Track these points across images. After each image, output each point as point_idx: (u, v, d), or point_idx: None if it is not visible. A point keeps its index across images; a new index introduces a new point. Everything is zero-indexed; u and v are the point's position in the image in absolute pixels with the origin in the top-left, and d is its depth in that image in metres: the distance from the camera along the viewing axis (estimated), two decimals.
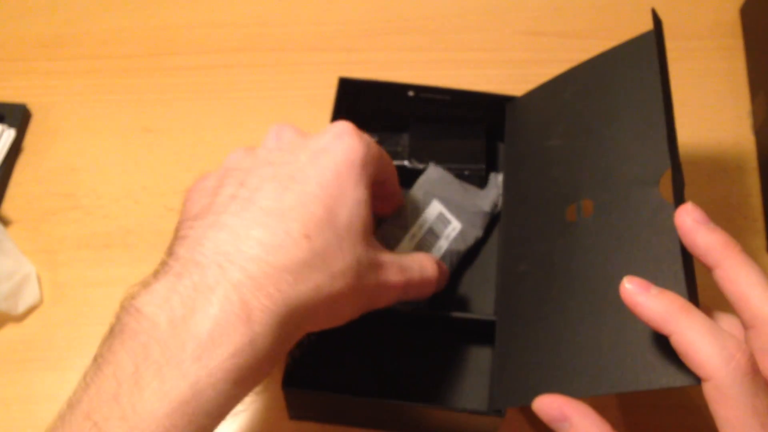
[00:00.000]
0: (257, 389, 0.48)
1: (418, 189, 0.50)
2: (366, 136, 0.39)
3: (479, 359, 0.48)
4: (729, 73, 0.62)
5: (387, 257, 0.39)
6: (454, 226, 0.49)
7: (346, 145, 0.37)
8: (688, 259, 0.35)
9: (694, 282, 0.34)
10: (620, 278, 0.33)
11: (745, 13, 0.64)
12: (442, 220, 0.49)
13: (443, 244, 0.49)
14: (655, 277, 0.34)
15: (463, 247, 0.49)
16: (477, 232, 0.50)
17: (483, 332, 0.47)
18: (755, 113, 0.59)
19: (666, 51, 0.42)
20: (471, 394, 0.47)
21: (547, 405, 0.35)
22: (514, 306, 0.44)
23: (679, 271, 0.34)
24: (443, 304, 0.49)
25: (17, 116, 0.58)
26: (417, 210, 0.49)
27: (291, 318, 0.33)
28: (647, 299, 0.32)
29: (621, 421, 0.48)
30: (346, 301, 0.36)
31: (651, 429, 0.48)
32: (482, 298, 0.50)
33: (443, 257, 0.49)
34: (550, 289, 0.41)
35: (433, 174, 0.51)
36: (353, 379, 0.48)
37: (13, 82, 0.61)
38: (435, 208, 0.49)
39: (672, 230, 0.35)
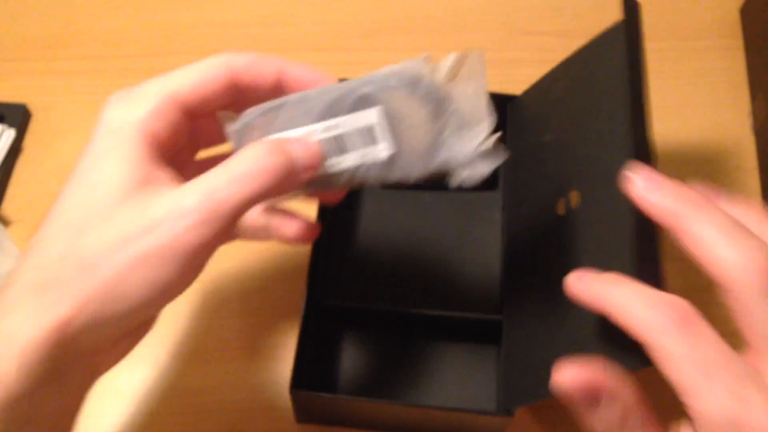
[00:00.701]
0: (261, 392, 0.48)
1: (363, 83, 0.35)
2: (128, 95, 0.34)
3: (484, 359, 0.49)
4: (729, 73, 0.62)
5: (173, 195, 0.31)
6: (381, 149, 0.35)
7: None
8: (646, 238, 0.33)
9: (656, 264, 0.33)
10: (608, 268, 0.32)
11: (745, 13, 0.64)
12: (366, 135, 0.35)
13: (347, 162, 0.35)
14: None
15: (378, 175, 0.36)
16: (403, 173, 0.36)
17: (487, 332, 0.47)
18: (755, 113, 0.59)
19: (642, 35, 0.41)
20: (478, 394, 0.48)
21: (571, 380, 0.29)
22: (519, 304, 0.44)
23: (626, 256, 0.34)
24: (446, 304, 0.49)
25: (17, 116, 0.58)
26: (337, 106, 0.34)
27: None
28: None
29: None
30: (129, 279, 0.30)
31: None
32: (485, 298, 0.50)
33: (340, 174, 0.36)
34: (551, 284, 0.41)
35: (402, 78, 0.36)
36: (359, 381, 0.48)
37: (13, 82, 0.61)
38: (366, 118, 0.34)
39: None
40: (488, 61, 0.64)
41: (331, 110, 0.34)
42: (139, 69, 0.62)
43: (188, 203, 0.30)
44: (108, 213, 0.30)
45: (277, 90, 0.36)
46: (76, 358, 0.30)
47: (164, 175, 0.32)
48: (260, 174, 0.31)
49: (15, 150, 0.58)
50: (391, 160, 0.35)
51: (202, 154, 0.39)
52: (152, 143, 0.32)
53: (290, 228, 0.40)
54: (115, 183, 0.31)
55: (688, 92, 0.61)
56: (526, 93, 0.51)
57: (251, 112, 0.35)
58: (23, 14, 0.65)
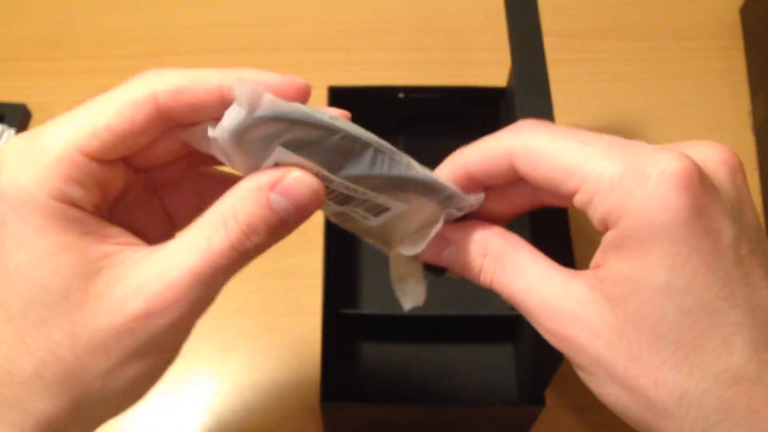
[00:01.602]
0: (289, 408, 0.48)
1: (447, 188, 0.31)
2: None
3: (502, 357, 0.49)
4: (729, 73, 0.62)
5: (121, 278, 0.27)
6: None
7: None
8: None
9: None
10: None
11: (745, 13, 0.64)
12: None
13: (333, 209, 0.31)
14: None
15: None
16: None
17: (503, 329, 0.47)
18: (755, 113, 0.59)
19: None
20: (499, 390, 0.48)
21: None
22: None
23: None
24: (460, 305, 0.49)
25: (17, 116, 0.58)
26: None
27: None
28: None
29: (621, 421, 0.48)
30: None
31: None
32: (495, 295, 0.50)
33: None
34: None
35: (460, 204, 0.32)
36: (382, 388, 0.48)
37: (13, 82, 0.61)
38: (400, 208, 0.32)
39: None
40: (488, 61, 0.65)
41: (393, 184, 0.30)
42: (138, 69, 0.62)
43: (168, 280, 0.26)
44: (70, 316, 0.26)
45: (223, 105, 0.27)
46: None
47: (108, 231, 0.27)
48: (269, 223, 0.27)
49: None
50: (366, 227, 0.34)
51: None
52: (80, 212, 0.27)
53: None
54: (65, 277, 0.26)
55: (688, 92, 0.61)
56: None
57: (244, 115, 0.26)
58: (23, 14, 0.65)
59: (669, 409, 0.25)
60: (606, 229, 0.27)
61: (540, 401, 0.42)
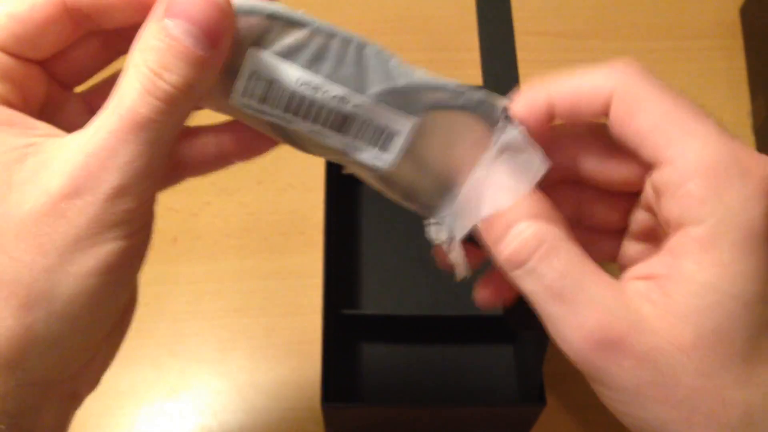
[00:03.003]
0: (289, 408, 0.48)
1: (436, 86, 0.27)
2: None
3: (502, 357, 0.49)
4: (729, 73, 0.62)
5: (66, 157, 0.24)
6: (382, 159, 0.27)
7: None
8: None
9: None
10: None
11: (745, 13, 0.64)
12: (379, 136, 0.27)
13: (331, 141, 0.27)
14: None
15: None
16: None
17: (503, 330, 0.47)
18: (755, 113, 0.59)
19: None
20: (498, 391, 0.48)
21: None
22: None
23: None
24: (459, 306, 0.49)
25: None
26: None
27: None
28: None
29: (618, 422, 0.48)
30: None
31: None
32: None
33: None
34: None
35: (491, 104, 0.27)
36: (382, 389, 0.48)
37: None
38: (398, 123, 0.26)
39: None
40: (469, 60, 0.64)
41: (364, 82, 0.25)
42: None
43: (92, 165, 0.23)
44: None
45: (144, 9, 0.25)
46: (41, 396, 0.26)
47: (34, 123, 0.25)
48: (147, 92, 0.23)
49: None
50: (384, 174, 0.28)
51: None
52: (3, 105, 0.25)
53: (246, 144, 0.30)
54: None
55: (688, 92, 0.60)
56: None
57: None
58: None
59: (732, 426, 0.24)
60: (680, 225, 0.24)
61: (540, 401, 0.42)
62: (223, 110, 0.27)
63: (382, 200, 0.54)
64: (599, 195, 0.28)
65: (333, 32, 0.25)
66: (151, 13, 0.23)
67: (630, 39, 0.64)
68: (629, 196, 0.28)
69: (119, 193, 0.23)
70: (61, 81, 0.27)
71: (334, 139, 0.26)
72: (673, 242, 0.24)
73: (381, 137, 0.26)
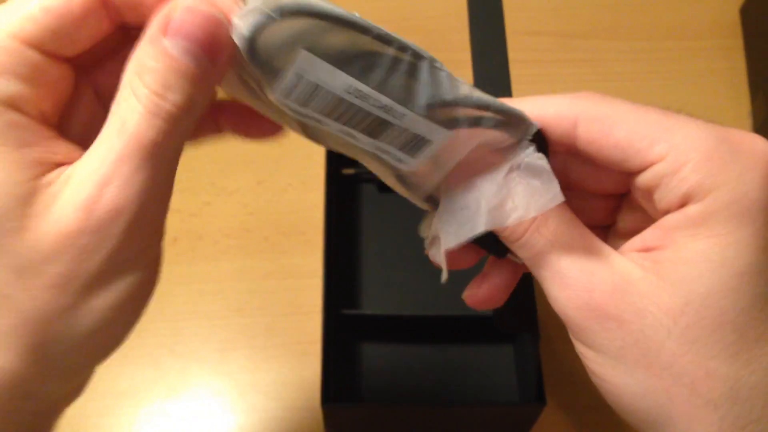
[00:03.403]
0: (289, 408, 0.48)
1: (484, 103, 0.26)
2: None
3: (502, 357, 0.49)
4: (729, 73, 0.62)
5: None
6: (408, 163, 0.27)
7: None
8: None
9: None
10: None
11: (745, 13, 0.64)
12: (412, 143, 0.26)
13: (359, 142, 0.26)
14: None
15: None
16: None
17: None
18: (755, 113, 0.59)
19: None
20: (499, 391, 0.48)
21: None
22: None
23: None
24: (460, 305, 0.49)
25: None
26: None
27: None
28: None
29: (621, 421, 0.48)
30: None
31: None
32: None
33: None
34: None
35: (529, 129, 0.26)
36: (382, 388, 0.48)
37: None
38: (436, 133, 0.25)
39: None
40: (468, 61, 0.64)
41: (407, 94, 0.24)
42: None
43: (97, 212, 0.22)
44: (10, 245, 0.22)
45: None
46: (46, 418, 0.26)
47: (54, 142, 0.24)
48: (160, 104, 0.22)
49: None
50: (405, 176, 0.27)
51: None
52: (19, 114, 0.23)
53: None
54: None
55: (688, 92, 0.61)
56: None
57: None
58: None
59: (715, 401, 0.23)
60: (681, 206, 0.24)
61: (540, 401, 0.42)
62: (242, 98, 0.26)
63: (382, 200, 0.55)
64: (583, 195, 0.29)
65: (390, 39, 0.24)
66: (145, 32, 0.23)
67: (629, 39, 0.64)
68: (615, 195, 0.28)
69: (137, 223, 0.23)
70: (81, 74, 0.26)
71: (364, 142, 0.25)
72: (669, 219, 0.25)
73: (413, 144, 0.26)
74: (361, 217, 0.54)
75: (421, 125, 0.25)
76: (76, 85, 0.26)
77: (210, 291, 0.52)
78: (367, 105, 0.24)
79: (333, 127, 0.25)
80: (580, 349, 0.26)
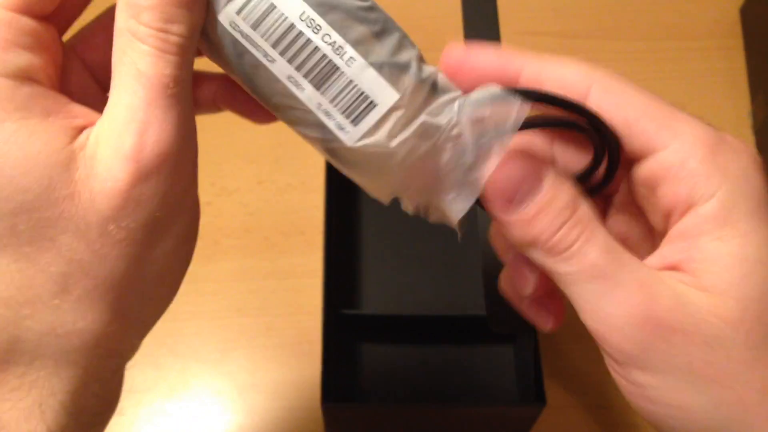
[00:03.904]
0: (289, 408, 0.48)
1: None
2: None
3: (502, 357, 0.49)
4: (729, 73, 0.62)
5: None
6: (351, 131, 0.25)
7: None
8: None
9: None
10: None
11: (745, 13, 0.64)
12: (357, 102, 0.25)
13: (301, 95, 0.25)
14: None
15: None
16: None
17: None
18: (755, 113, 0.59)
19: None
20: (498, 391, 0.48)
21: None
22: None
23: None
24: (459, 305, 0.49)
25: None
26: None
27: None
28: None
29: (621, 421, 0.48)
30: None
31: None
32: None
33: None
34: None
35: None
36: (382, 388, 0.48)
37: None
38: (384, 94, 0.24)
39: None
40: None
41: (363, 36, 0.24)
42: None
43: (127, 143, 0.22)
44: (61, 205, 0.22)
45: None
46: (120, 371, 0.27)
47: (71, 105, 0.24)
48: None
49: None
50: (349, 151, 0.25)
51: None
52: (29, 86, 0.23)
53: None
54: (42, 163, 0.22)
55: (688, 92, 0.61)
56: None
57: None
58: None
59: None
60: (689, 206, 0.23)
61: (540, 401, 0.42)
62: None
63: (378, 202, 0.55)
64: None
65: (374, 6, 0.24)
66: None
67: (629, 39, 0.64)
68: (601, 198, 0.28)
69: (180, 162, 0.24)
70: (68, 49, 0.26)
71: (308, 94, 0.24)
72: (683, 225, 0.24)
73: (358, 108, 0.24)
74: (361, 217, 0.54)
75: (369, 79, 0.24)
76: (63, 53, 0.26)
77: (210, 291, 0.52)
78: (319, 39, 0.23)
79: (279, 68, 0.24)
80: (637, 378, 0.24)
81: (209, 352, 0.50)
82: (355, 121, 0.24)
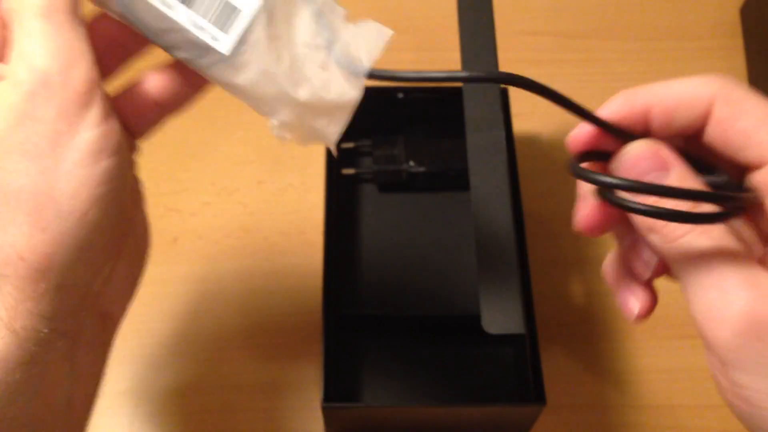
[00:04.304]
0: (289, 408, 0.48)
1: None
2: None
3: (502, 355, 0.49)
4: (729, 73, 0.62)
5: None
6: (224, 41, 0.28)
7: None
8: None
9: None
10: None
11: (745, 13, 0.63)
12: (223, 11, 0.28)
13: (175, 15, 0.28)
14: None
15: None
16: None
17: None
18: None
19: None
20: (500, 389, 0.48)
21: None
22: None
23: None
24: (461, 305, 0.49)
25: None
26: None
27: None
28: None
29: (621, 421, 0.48)
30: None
31: (657, 429, 0.48)
32: None
33: None
34: None
35: None
36: (383, 388, 0.48)
37: None
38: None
39: None
40: None
41: None
42: (137, 68, 0.62)
43: (40, 63, 0.26)
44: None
45: None
46: (75, 304, 0.28)
47: None
48: None
49: None
50: (230, 61, 0.28)
51: None
52: None
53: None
54: None
55: None
56: None
57: None
58: None
59: None
60: None
61: (540, 401, 0.42)
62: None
63: (382, 200, 0.55)
64: None
65: None
66: None
67: (630, 39, 0.64)
68: None
69: (76, 70, 0.26)
70: None
71: (180, 13, 0.27)
72: None
73: (224, 13, 0.27)
74: (361, 217, 0.54)
75: None
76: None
77: (210, 291, 0.52)
78: None
79: None
80: (736, 377, 0.24)
81: (209, 352, 0.50)
82: (225, 28, 0.27)
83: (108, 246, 0.29)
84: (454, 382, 0.48)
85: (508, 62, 0.63)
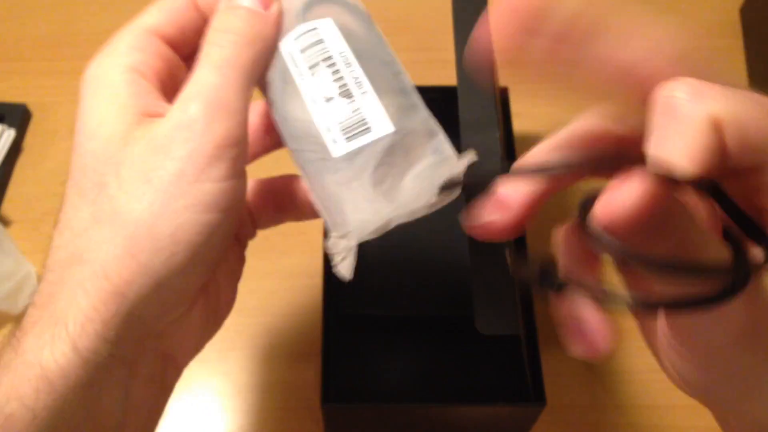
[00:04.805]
0: (289, 408, 0.48)
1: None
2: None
3: (502, 355, 0.49)
4: (729, 74, 0.62)
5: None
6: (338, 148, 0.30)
7: None
8: None
9: None
10: None
11: (745, 13, 0.63)
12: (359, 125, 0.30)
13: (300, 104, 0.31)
14: None
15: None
16: None
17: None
18: None
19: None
20: (500, 389, 0.48)
21: None
22: None
23: None
24: (462, 305, 0.49)
25: (17, 116, 0.58)
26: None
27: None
28: None
29: (621, 421, 0.48)
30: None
31: (650, 429, 0.48)
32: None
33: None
34: None
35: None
36: (384, 388, 0.48)
37: (13, 82, 0.61)
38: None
39: None
40: None
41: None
42: None
43: (193, 108, 0.27)
44: (117, 155, 0.27)
45: None
46: (139, 336, 0.28)
47: (162, 102, 0.29)
48: (241, 48, 0.29)
49: (15, 150, 0.57)
50: (332, 162, 0.30)
51: None
52: (139, 76, 0.30)
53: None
54: (113, 123, 0.28)
55: None
56: None
57: None
58: (23, 14, 0.65)
59: None
60: None
61: (540, 401, 0.42)
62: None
63: None
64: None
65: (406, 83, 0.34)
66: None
67: None
68: None
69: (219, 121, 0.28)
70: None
71: (317, 103, 0.30)
72: None
73: (356, 126, 0.30)
74: None
75: (373, 108, 0.30)
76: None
77: None
78: (345, 70, 0.30)
79: (305, 83, 0.30)
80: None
81: (209, 352, 0.50)
82: (349, 139, 0.29)
83: (184, 292, 0.29)
84: (455, 382, 0.48)
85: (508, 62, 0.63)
